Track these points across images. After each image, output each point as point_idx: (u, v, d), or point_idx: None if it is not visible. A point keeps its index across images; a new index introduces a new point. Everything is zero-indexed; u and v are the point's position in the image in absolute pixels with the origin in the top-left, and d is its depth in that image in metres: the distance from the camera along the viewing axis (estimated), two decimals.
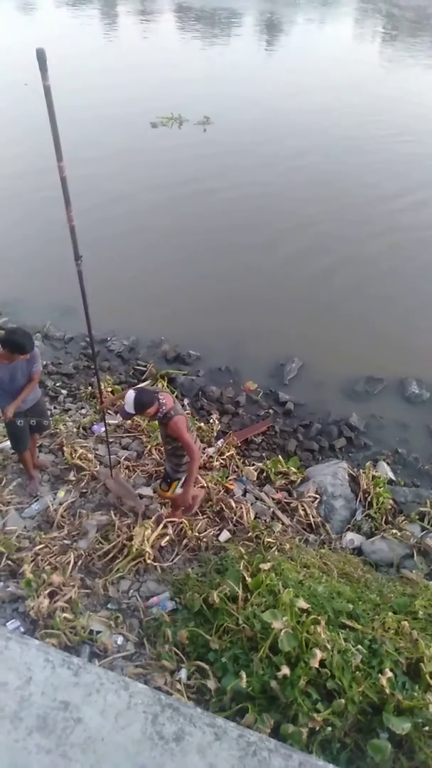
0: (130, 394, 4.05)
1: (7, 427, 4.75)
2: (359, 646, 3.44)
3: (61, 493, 5.07)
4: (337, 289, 9.30)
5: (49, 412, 5.21)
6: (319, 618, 3.49)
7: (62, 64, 19.56)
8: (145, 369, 7.49)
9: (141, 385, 6.94)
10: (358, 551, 5.26)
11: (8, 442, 5.18)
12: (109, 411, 6.40)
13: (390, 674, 3.20)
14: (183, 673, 3.47)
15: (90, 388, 6.80)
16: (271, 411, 7.20)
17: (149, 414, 4.08)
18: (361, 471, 6.04)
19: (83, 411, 6.52)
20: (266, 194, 12.16)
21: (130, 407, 4.02)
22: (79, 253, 3.26)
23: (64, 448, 5.56)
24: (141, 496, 5.14)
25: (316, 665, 3.17)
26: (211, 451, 6.02)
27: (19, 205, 10.60)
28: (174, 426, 4.08)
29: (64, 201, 2.99)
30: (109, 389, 6.74)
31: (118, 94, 17.52)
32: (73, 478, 5.26)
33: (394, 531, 5.42)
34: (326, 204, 11.94)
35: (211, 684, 3.34)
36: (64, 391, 6.99)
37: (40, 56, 2.38)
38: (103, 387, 6.69)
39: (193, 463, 4.19)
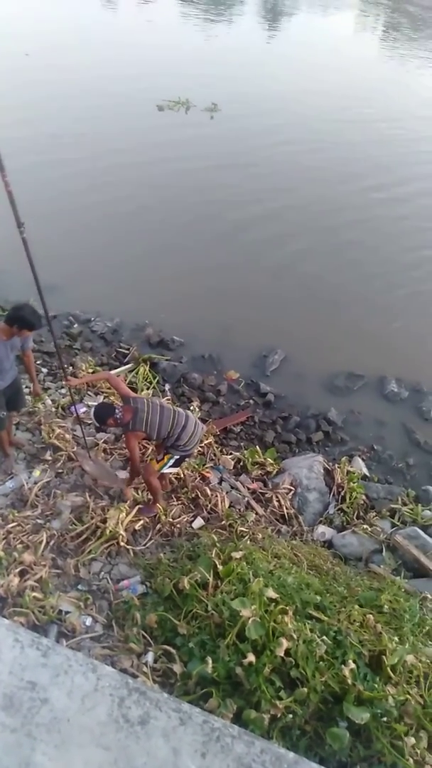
0: (93, 408, 4.59)
1: None
2: (324, 637, 3.51)
3: (36, 472, 5.04)
4: (326, 285, 9.34)
5: (26, 390, 5.15)
6: (287, 608, 3.55)
7: (61, 38, 19.26)
8: (127, 352, 7.45)
9: (117, 370, 6.91)
10: (329, 544, 5.35)
11: None
12: (89, 393, 6.38)
13: (353, 665, 3.28)
14: (150, 657, 3.50)
15: (71, 368, 6.74)
16: (251, 401, 7.23)
17: (110, 425, 4.47)
18: (336, 465, 6.12)
19: (63, 391, 6.47)
20: (266, 188, 12.05)
21: (93, 420, 4.54)
22: (21, 221, 3.20)
23: (42, 427, 5.52)
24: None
25: (282, 654, 3.23)
26: None
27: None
28: (125, 438, 4.48)
29: None
30: (90, 370, 6.69)
31: (121, 73, 17.11)
32: (50, 458, 5.23)
33: (364, 526, 5.52)
34: (325, 198, 11.92)
35: (177, 668, 3.38)
36: (45, 370, 6.92)
37: None
38: (83, 367, 6.67)
39: (131, 476, 4.80)
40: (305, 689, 3.16)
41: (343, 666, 3.29)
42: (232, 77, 18.21)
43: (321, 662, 3.33)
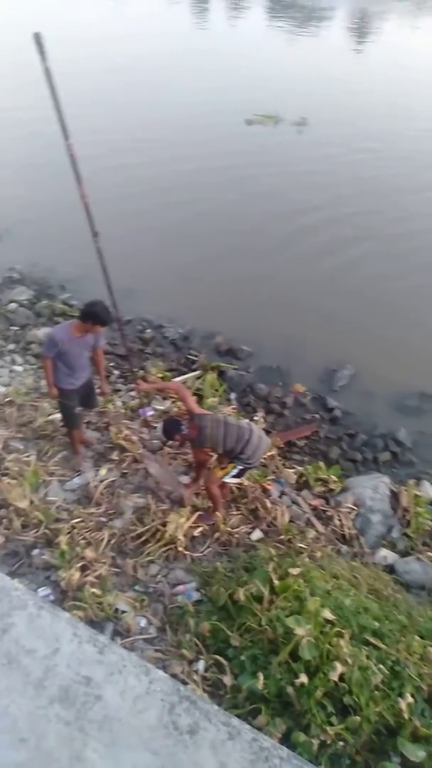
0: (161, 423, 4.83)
1: (60, 405, 4.88)
2: (381, 666, 3.39)
3: (102, 471, 5.18)
4: (402, 303, 9.05)
5: (97, 390, 5.32)
6: (344, 631, 3.46)
7: (154, 47, 19.93)
8: (196, 359, 7.54)
9: (184, 377, 7.00)
10: (391, 569, 5.16)
11: (59, 415, 5.34)
12: (157, 397, 6.50)
13: (410, 699, 3.15)
14: (201, 665, 3.51)
15: (141, 371, 6.90)
16: (317, 416, 7.11)
17: (176, 440, 4.69)
18: (403, 488, 5.90)
19: (133, 393, 6.63)
20: (346, 203, 11.78)
21: (160, 434, 4.75)
22: (96, 230, 3.30)
23: (111, 427, 5.67)
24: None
25: (335, 678, 3.14)
26: None
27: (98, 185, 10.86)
28: (193, 452, 4.70)
29: (75, 179, 3.06)
30: (159, 375, 6.82)
31: (212, 86, 17.43)
32: (116, 458, 5.37)
33: (430, 554, 5.28)
34: (414, 216, 11.57)
35: (228, 680, 3.36)
36: (117, 372, 7.13)
37: (38, 40, 2.47)
38: (154, 372, 6.81)
39: (195, 480, 4.87)
40: (358, 718, 3.06)
41: (399, 698, 3.16)
42: (322, 92, 18.05)
43: (376, 692, 3.22)
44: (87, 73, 16.54)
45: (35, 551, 4.24)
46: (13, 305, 8.12)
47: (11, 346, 7.23)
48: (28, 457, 5.04)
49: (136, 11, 26.17)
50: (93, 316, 4.26)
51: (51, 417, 5.65)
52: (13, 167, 11.80)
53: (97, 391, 5.19)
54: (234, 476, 4.58)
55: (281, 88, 17.95)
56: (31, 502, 4.53)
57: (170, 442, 5.57)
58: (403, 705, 3.10)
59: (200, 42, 23.36)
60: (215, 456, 5.10)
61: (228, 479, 4.61)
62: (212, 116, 15.21)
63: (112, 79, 16.85)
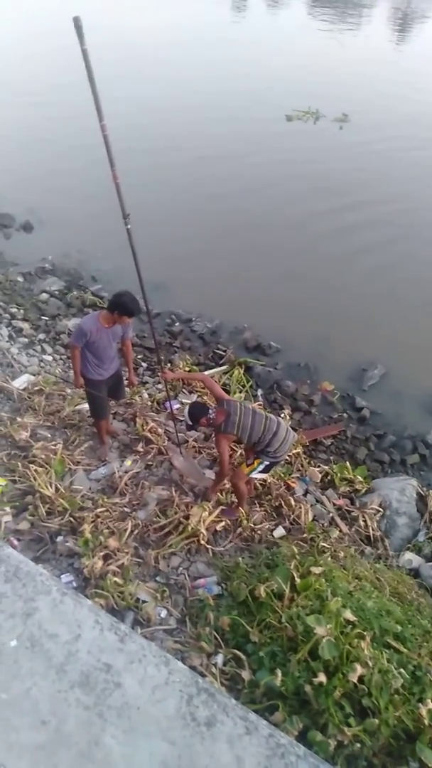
0: (188, 406, 4.67)
1: (89, 396, 4.93)
2: (402, 670, 3.34)
3: (128, 462, 5.22)
4: None
5: (125, 381, 5.35)
6: (365, 633, 3.42)
7: (195, 48, 19.93)
8: (224, 354, 7.53)
9: (212, 371, 7.00)
10: (415, 573, 5.08)
11: (87, 405, 5.40)
12: (183, 390, 6.51)
13: (431, 705, 3.09)
14: (219, 659, 3.51)
15: (169, 364, 6.92)
16: (345, 415, 7.04)
17: (203, 424, 4.56)
18: (431, 491, 5.80)
19: (159, 386, 6.66)
20: (382, 200, 11.65)
21: (186, 418, 4.60)
22: (126, 211, 3.31)
23: (137, 419, 5.71)
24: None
25: (355, 680, 3.11)
26: None
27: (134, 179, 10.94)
28: (216, 440, 4.54)
29: (108, 160, 3.11)
30: (186, 369, 6.83)
31: (253, 82, 17.31)
32: (141, 450, 5.40)
33: None
34: None
35: (246, 675, 3.36)
36: (144, 364, 7.17)
37: (77, 24, 2.52)
38: (181, 365, 6.83)
39: (219, 477, 4.72)
40: (376, 720, 3.02)
41: (420, 704, 3.11)
42: (364, 87, 17.81)
43: (396, 695, 3.17)
44: (125, 66, 16.65)
45: (59, 538, 4.30)
46: (44, 295, 8.23)
47: (41, 336, 7.34)
48: (55, 445, 5.10)
49: (177, 3, 26.19)
50: (120, 306, 4.28)
51: (78, 407, 5.72)
52: (48, 158, 11.95)
53: (125, 382, 5.22)
54: (261, 471, 4.56)
55: (321, 82, 17.74)
56: (57, 489, 4.59)
57: (196, 432, 5.58)
58: (423, 711, 3.05)
59: (238, 34, 23.27)
60: (240, 451, 5.09)
61: (255, 474, 4.59)
62: (251, 112, 15.13)
63: (150, 73, 16.90)
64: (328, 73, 18.77)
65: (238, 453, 5.24)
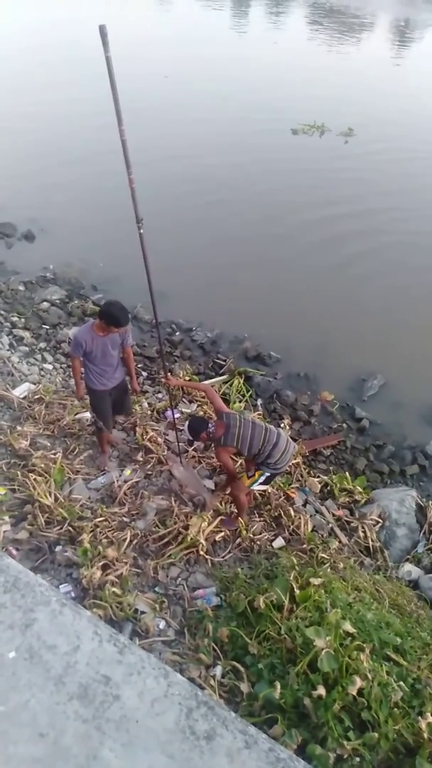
0: (187, 421, 4.73)
1: (93, 406, 4.91)
2: (401, 683, 3.33)
3: (127, 471, 5.22)
4: None
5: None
6: (364, 645, 3.40)
7: (196, 61, 20.10)
8: (224, 363, 7.54)
9: (211, 381, 7.00)
10: (415, 585, 5.06)
11: (88, 413, 5.40)
12: (184, 399, 6.52)
13: (431, 719, 3.07)
14: (218, 671, 3.49)
15: (170, 373, 6.93)
16: (344, 425, 7.04)
17: (203, 439, 4.58)
18: (430, 502, 5.79)
19: (159, 395, 6.67)
20: (391, 211, 11.74)
21: (186, 432, 4.63)
22: (140, 216, 3.34)
23: (137, 428, 5.71)
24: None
25: (354, 693, 3.09)
26: None
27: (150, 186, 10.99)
28: (216, 453, 4.59)
29: (125, 164, 3.15)
30: (187, 378, 6.84)
31: (256, 94, 17.46)
32: (141, 459, 5.40)
33: None
34: None
35: (245, 687, 3.34)
36: (145, 374, 7.18)
37: (102, 31, 2.64)
38: (181, 374, 6.84)
39: (223, 487, 4.77)
40: (376, 734, 3.00)
41: (419, 717, 3.09)
42: (368, 101, 17.95)
43: (396, 709, 3.15)
44: (135, 77, 16.82)
45: (58, 548, 4.29)
46: (45, 304, 8.25)
47: (42, 345, 7.35)
48: (54, 454, 5.10)
49: (178, 15, 26.43)
50: (108, 316, 4.24)
51: (78, 416, 5.72)
52: (50, 167, 12.02)
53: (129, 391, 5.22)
54: (262, 483, 4.56)
55: (326, 96, 17.89)
56: (56, 499, 4.59)
57: (196, 443, 5.58)
58: (423, 724, 3.04)
59: (241, 50, 23.49)
60: (241, 461, 5.09)
61: (256, 486, 4.59)
62: (257, 125, 15.23)
63: (154, 86, 17.04)
64: (333, 86, 18.94)
65: (238, 463, 5.23)
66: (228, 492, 4.88)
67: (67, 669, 1.89)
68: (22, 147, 12.85)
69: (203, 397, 6.39)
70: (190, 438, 4.67)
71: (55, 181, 11.52)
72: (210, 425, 4.47)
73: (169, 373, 4.96)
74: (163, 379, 5.35)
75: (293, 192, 12.10)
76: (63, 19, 23.09)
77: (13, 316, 7.79)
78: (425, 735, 3.01)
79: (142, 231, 3.47)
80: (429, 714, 3.10)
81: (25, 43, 19.76)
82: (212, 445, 4.83)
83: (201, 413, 6.21)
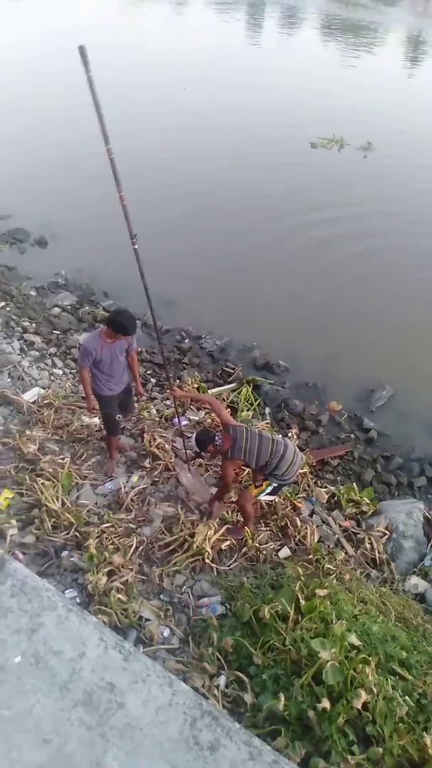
0: (195, 433, 4.82)
1: (103, 412, 4.94)
2: (407, 698, 3.29)
3: (134, 478, 5.22)
4: None
5: (135, 398, 5.37)
6: (370, 658, 3.38)
7: (213, 70, 20.25)
8: (233, 371, 7.55)
9: (220, 389, 7.02)
10: (421, 598, 5.02)
11: (96, 419, 5.42)
12: (192, 407, 6.53)
13: None
14: (222, 680, 3.47)
15: (178, 381, 6.95)
16: (352, 435, 7.02)
17: (210, 451, 4.61)
18: None
19: (168, 402, 6.68)
20: (409, 231, 11.71)
21: (194, 445, 4.69)
22: (134, 232, 3.39)
23: (145, 435, 5.72)
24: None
25: (359, 706, 3.07)
26: None
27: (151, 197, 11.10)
28: (223, 465, 4.61)
29: (114, 181, 3.22)
30: (195, 386, 6.86)
31: (274, 106, 17.52)
32: (148, 466, 5.40)
33: None
34: None
35: (248, 698, 3.32)
36: (153, 380, 7.20)
37: (82, 53, 2.66)
38: (189, 382, 6.85)
39: (220, 493, 4.76)
40: (380, 749, 2.98)
41: (424, 733, 3.06)
42: (389, 117, 17.97)
43: (401, 724, 3.12)
44: (144, 89, 16.98)
45: (64, 553, 4.29)
46: (56, 309, 8.31)
47: (53, 350, 7.39)
48: (62, 459, 5.12)
49: (192, 25, 26.69)
50: (115, 324, 4.31)
51: (87, 422, 5.74)
52: (62, 173, 12.13)
53: (134, 395, 5.24)
54: (269, 494, 4.55)
55: (344, 109, 17.94)
56: (63, 504, 4.60)
57: (203, 454, 5.58)
58: (428, 740, 3.00)
59: (257, 59, 23.63)
60: (248, 471, 5.08)
61: (263, 497, 4.58)
62: (275, 139, 15.23)
63: (170, 96, 17.16)
64: (350, 99, 18.99)
65: (246, 472, 5.23)
66: (235, 501, 4.87)
67: (72, 675, 1.90)
68: (35, 152, 12.98)
69: (209, 407, 6.40)
70: (197, 451, 4.72)
71: (68, 187, 11.62)
72: (217, 438, 4.49)
73: (175, 384, 4.99)
74: (168, 391, 5.37)
75: (309, 204, 12.12)
76: (87, 24, 23.23)
77: (24, 320, 7.85)
78: (430, 751, 2.97)
79: (136, 247, 3.50)
80: None
81: (34, 49, 20.02)
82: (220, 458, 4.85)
83: (209, 420, 6.21)
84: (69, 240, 10.21)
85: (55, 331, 7.84)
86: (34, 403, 5.97)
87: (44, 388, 6.37)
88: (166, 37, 24.86)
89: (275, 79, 20.61)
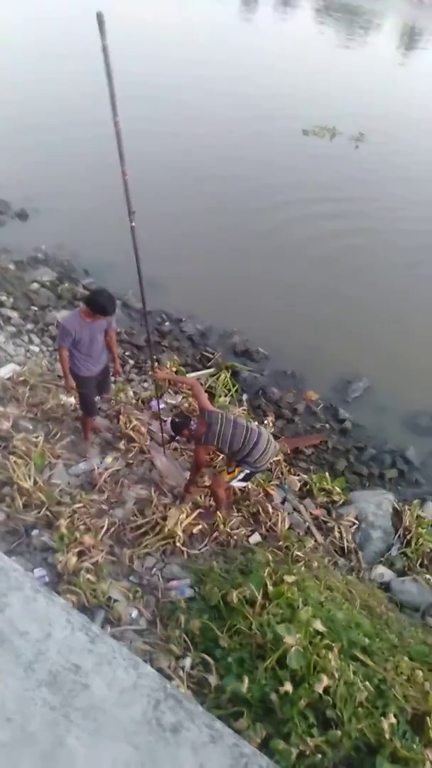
0: (170, 418, 4.84)
1: (80, 392, 4.89)
2: (367, 683, 3.37)
3: (108, 459, 5.20)
4: (429, 320, 8.99)
5: (112, 379, 5.33)
6: (333, 644, 3.45)
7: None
8: (212, 357, 7.54)
9: (198, 373, 7.00)
10: (386, 587, 5.14)
11: (72, 399, 5.37)
12: (170, 391, 6.51)
13: (393, 720, 3.12)
14: (187, 662, 3.51)
15: (156, 363, 6.91)
16: (327, 425, 7.09)
17: (184, 435, 4.66)
18: (406, 507, 5.86)
19: (145, 384, 6.65)
20: (395, 224, 11.76)
21: (169, 429, 4.72)
22: (132, 209, 3.34)
23: (120, 417, 5.69)
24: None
25: (320, 690, 3.14)
26: None
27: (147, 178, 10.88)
28: (195, 449, 4.66)
29: (118, 155, 3.16)
30: (174, 369, 6.83)
31: (268, 91, 17.34)
32: (123, 448, 5.39)
33: (427, 576, 5.25)
34: None
35: (213, 680, 3.36)
36: (131, 362, 7.15)
37: (99, 19, 2.61)
38: (168, 365, 6.82)
39: (192, 478, 4.78)
40: (339, 732, 3.05)
41: (383, 718, 3.14)
42: (379, 105, 17.96)
43: (360, 708, 3.20)
44: (134, 74, 16.59)
45: (35, 532, 4.27)
46: (35, 285, 8.17)
47: (30, 326, 7.28)
48: (36, 437, 5.06)
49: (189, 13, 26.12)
50: (94, 304, 4.28)
51: (65, 401, 5.68)
52: (49, 146, 11.86)
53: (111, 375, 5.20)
54: (241, 480, 4.59)
55: (338, 98, 17.86)
56: (35, 482, 4.56)
57: (177, 438, 5.59)
58: (385, 725, 3.08)
59: (253, 44, 23.28)
60: (221, 457, 5.11)
61: (235, 483, 4.61)
62: (268, 124, 15.14)
63: (163, 80, 16.81)
64: (345, 89, 18.91)
65: (220, 458, 5.25)
66: (208, 486, 4.90)
67: (37, 656, 1.89)
68: (20, 123, 12.63)
69: (189, 390, 6.39)
70: (172, 435, 4.73)
71: (54, 160, 11.38)
72: (192, 423, 4.50)
73: (156, 366, 4.96)
74: (150, 373, 5.34)
75: (293, 189, 12.09)
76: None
77: (1, 295, 7.70)
78: (387, 735, 3.06)
79: (134, 224, 3.45)
80: (392, 715, 3.16)
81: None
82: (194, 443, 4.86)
83: (186, 405, 6.21)
84: (51, 215, 10.01)
85: (33, 307, 7.71)
86: (9, 379, 5.89)
87: (20, 365, 6.28)
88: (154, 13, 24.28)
89: (269, 63, 20.35)
